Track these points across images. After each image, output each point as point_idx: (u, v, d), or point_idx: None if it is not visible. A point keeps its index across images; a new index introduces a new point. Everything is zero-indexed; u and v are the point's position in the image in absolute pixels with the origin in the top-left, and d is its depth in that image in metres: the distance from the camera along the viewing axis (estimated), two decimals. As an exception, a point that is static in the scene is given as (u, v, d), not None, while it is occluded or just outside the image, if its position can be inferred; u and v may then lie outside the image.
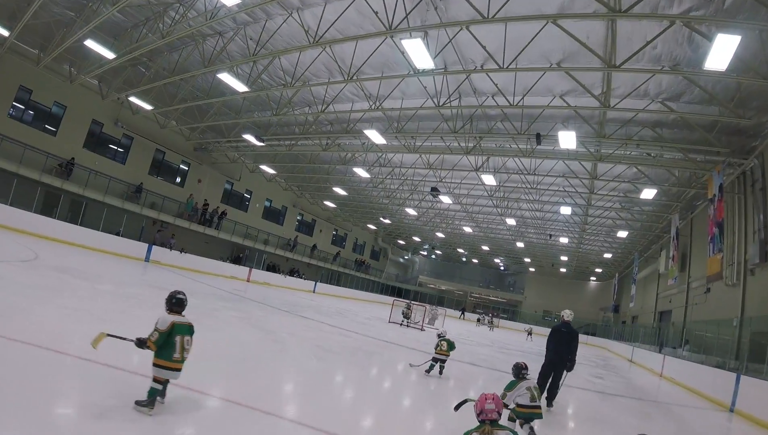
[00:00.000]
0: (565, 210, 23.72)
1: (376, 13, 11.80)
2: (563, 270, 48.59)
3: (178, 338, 3.77)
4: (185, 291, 4.21)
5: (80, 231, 19.07)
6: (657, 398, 12.05)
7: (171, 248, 22.75)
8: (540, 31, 11.07)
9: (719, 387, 11.27)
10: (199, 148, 27.44)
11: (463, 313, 45.24)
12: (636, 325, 32.04)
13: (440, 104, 15.16)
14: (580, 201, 23.71)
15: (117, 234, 21.01)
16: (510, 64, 12.06)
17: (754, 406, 9.38)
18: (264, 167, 28.92)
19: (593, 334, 40.36)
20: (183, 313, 4.02)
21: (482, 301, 58.00)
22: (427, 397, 6.99)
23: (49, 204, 19.75)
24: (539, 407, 4.85)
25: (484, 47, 12.01)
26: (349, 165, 25.02)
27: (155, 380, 3.67)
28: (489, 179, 20.74)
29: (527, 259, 48.36)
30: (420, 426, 5.37)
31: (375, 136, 17.42)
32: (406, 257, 61.69)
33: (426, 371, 8.28)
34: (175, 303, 3.99)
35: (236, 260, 29.73)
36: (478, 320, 39.55)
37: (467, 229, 37.07)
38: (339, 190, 31.13)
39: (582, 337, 38.47)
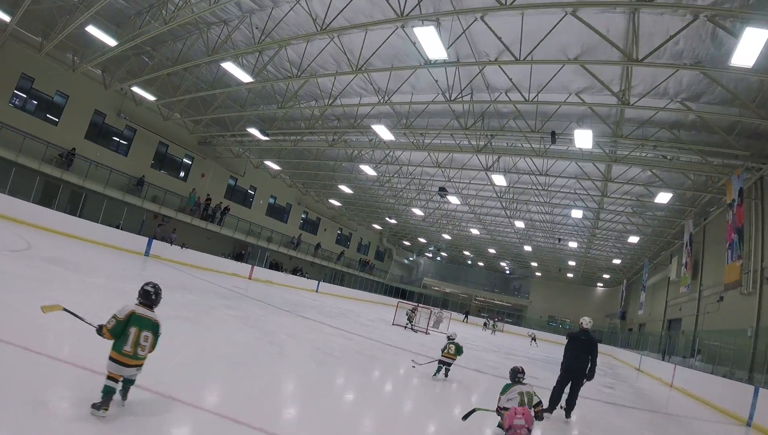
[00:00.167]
0: (576, 213, 23.09)
1: (387, -1, 11.25)
2: (570, 275, 47.93)
3: (132, 330, 3.43)
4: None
5: (79, 223, 18.60)
6: (670, 410, 11.58)
7: (172, 243, 22.28)
8: (558, 22, 10.54)
9: (735, 400, 10.87)
10: (203, 142, 27.01)
11: (466, 316, 44.79)
12: (643, 332, 31.61)
13: (452, 99, 14.56)
14: (592, 204, 23.12)
15: (117, 227, 20.54)
16: (526, 57, 11.48)
17: (774, 420, 8.90)
18: (269, 163, 28.44)
19: (599, 341, 39.22)
20: (154, 308, 3.71)
21: (487, 304, 57.39)
22: (432, 407, 6.40)
23: (48, 194, 19.33)
24: None
25: (499, 38, 11.43)
26: (356, 162, 24.47)
27: (108, 377, 3.33)
28: (499, 179, 20.15)
29: (534, 264, 47.67)
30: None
31: (383, 132, 16.86)
32: (410, 258, 61.09)
33: (433, 375, 8.21)
34: (142, 294, 3.69)
35: (238, 257, 29.23)
36: (485, 324, 38.93)
37: (474, 231, 36.42)
38: (344, 188, 30.58)
39: None
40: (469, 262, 58.27)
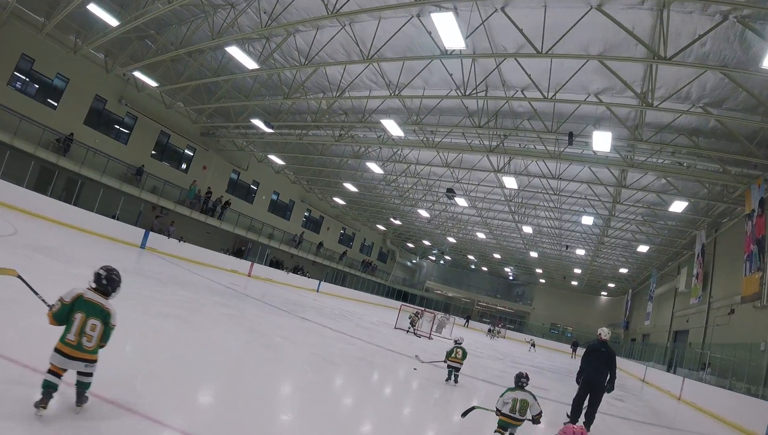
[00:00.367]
0: (587, 220, 22.37)
1: (403, -17, 10.57)
2: (575, 283, 47.27)
3: (78, 316, 3.00)
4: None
5: (73, 211, 17.92)
6: (687, 426, 11.09)
7: (169, 236, 21.58)
8: (583, 16, 10.00)
9: (751, 416, 10.36)
10: (206, 133, 26.32)
11: (467, 321, 44.19)
12: (647, 343, 31.34)
13: (466, 93, 13.83)
14: (603, 211, 22.43)
15: (113, 217, 19.85)
16: (549, 50, 10.80)
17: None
18: (273, 157, 27.67)
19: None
20: (111, 296, 3.24)
21: (489, 310, 56.72)
22: (441, 425, 5.66)
23: (43, 180, 18.67)
24: (517, 420, 4.73)
25: (520, 30, 10.74)
26: (362, 159, 23.73)
27: (49, 370, 2.91)
28: (510, 182, 19.39)
29: (539, 270, 46.93)
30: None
31: (392, 127, 16.11)
32: (413, 261, 60.36)
33: (446, 380, 8.35)
34: (94, 278, 3.20)
35: (238, 253, 28.53)
36: (490, 331, 38.27)
37: (480, 235, 35.65)
38: (349, 187, 29.82)
39: None
40: (473, 266, 57.52)
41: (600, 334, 7.08)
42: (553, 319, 50.58)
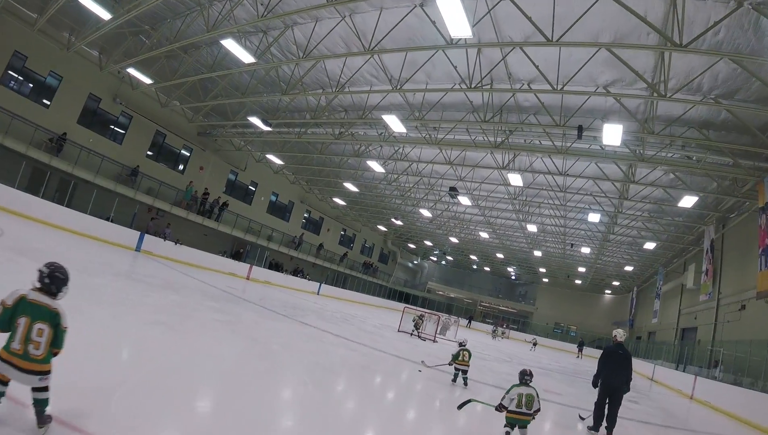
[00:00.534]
0: (594, 217, 21.84)
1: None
2: (578, 282, 46.85)
3: (22, 320, 2.68)
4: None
5: (66, 212, 17.33)
6: (706, 428, 10.73)
7: (165, 238, 20.97)
8: (594, 4, 9.56)
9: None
10: (203, 132, 25.76)
11: (470, 321, 43.72)
12: (653, 341, 31.22)
13: (471, 86, 13.29)
14: (609, 208, 21.98)
15: (107, 219, 19.28)
16: (559, 38, 10.29)
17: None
18: (271, 157, 27.05)
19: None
20: (59, 296, 2.88)
21: (492, 310, 56.25)
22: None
23: (35, 180, 18.11)
24: (525, 414, 4.81)
25: (529, 18, 10.20)
26: (363, 158, 23.16)
27: None
28: (515, 179, 18.83)
29: (542, 269, 46.40)
30: None
31: (394, 123, 15.53)
32: (415, 262, 59.78)
33: (452, 381, 8.47)
34: (37, 277, 2.85)
35: (236, 256, 27.93)
36: (494, 332, 37.95)
37: (483, 235, 35.10)
38: (350, 186, 29.22)
39: (596, 352, 37.75)
40: (475, 266, 56.97)
41: (615, 336, 7.04)
42: (556, 318, 50.23)
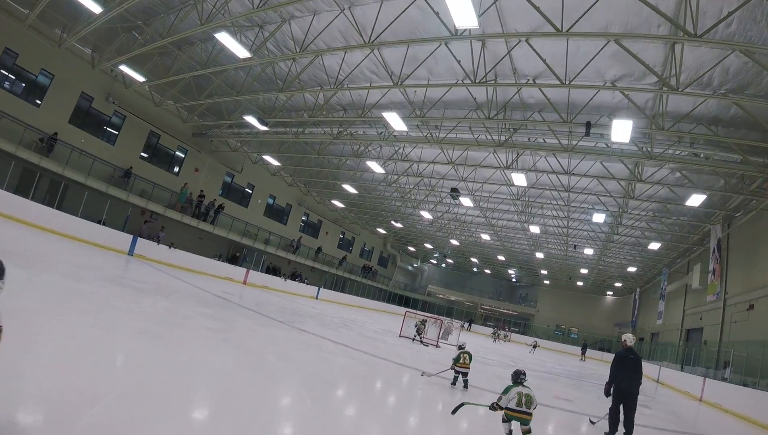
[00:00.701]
0: (598, 217, 21.36)
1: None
2: (580, 283, 46.41)
3: None
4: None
5: (56, 215, 16.78)
6: (722, 433, 10.47)
7: (159, 242, 20.38)
8: None
9: None
10: (198, 133, 25.19)
11: (470, 324, 43.18)
12: (657, 342, 30.92)
13: (475, 81, 12.78)
14: (613, 208, 21.53)
15: (99, 222, 18.70)
16: (569, 29, 9.83)
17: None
18: (268, 158, 26.45)
19: (608, 350, 38.43)
20: None
21: (492, 313, 55.71)
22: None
23: (24, 182, 17.53)
24: (525, 413, 4.88)
25: (537, 8, 9.74)
26: (362, 158, 22.61)
27: None
28: (519, 179, 18.30)
29: (543, 271, 45.89)
30: None
31: (395, 120, 14.98)
32: (415, 265, 59.22)
33: (451, 384, 8.55)
34: None
35: (233, 260, 27.33)
36: (494, 333, 37.48)
37: (485, 237, 34.57)
38: (349, 188, 28.64)
39: (598, 354, 37.18)
40: (475, 269, 56.47)
41: (625, 340, 6.98)
42: (557, 320, 49.77)
